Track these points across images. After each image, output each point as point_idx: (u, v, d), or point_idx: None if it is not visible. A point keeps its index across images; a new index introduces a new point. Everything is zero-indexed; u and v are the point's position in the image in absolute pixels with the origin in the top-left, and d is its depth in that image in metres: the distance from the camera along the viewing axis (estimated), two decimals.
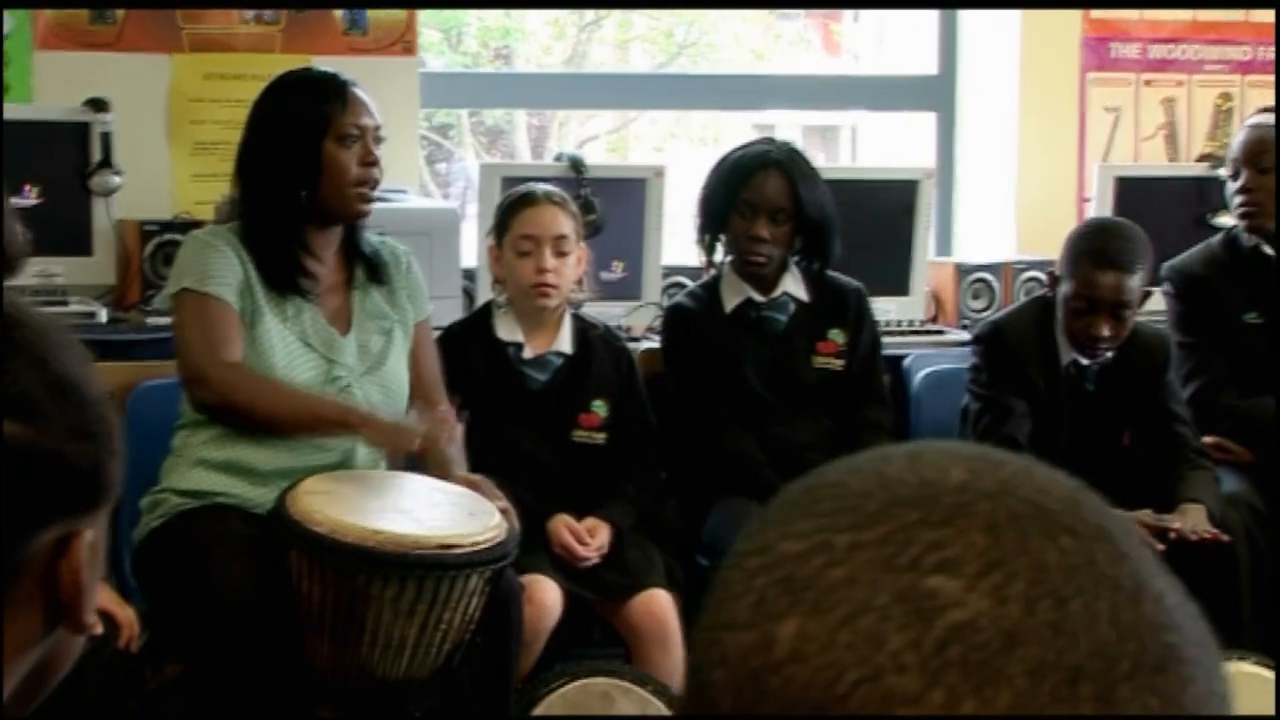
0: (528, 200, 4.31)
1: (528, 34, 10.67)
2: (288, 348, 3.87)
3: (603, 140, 11.10)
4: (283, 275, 3.89)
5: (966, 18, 6.00)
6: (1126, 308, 4.38)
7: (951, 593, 0.71)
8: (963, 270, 5.49)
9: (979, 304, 5.45)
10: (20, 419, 1.20)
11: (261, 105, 3.97)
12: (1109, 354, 4.47)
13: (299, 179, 3.86)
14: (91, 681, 3.61)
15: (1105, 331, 4.38)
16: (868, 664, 0.70)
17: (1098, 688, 0.70)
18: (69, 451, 1.23)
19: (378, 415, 3.77)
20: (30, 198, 4.65)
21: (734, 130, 9.88)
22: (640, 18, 11.04)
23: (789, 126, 12.13)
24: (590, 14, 10.61)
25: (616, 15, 10.86)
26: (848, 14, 11.82)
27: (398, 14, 5.26)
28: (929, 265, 5.46)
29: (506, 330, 4.34)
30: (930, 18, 6.11)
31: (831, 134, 11.85)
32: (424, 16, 9.67)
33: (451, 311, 4.63)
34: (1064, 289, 4.45)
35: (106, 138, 4.81)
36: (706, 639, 0.78)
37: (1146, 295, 4.47)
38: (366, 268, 4.02)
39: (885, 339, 4.86)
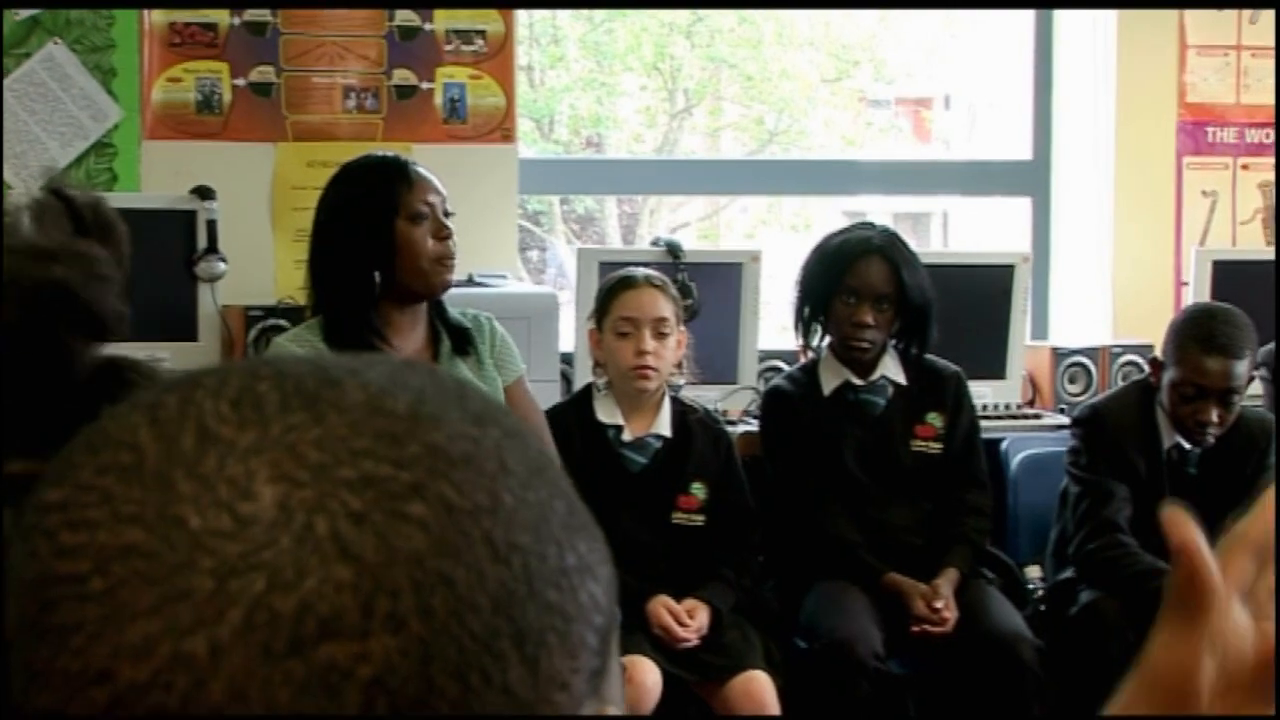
0: (628, 283, 4.35)
1: (619, 122, 10.76)
2: None
3: (694, 227, 11.13)
4: None
5: (1061, 104, 6.01)
6: (1234, 393, 4.38)
7: (348, 653, 0.67)
8: (1059, 354, 5.48)
9: (1075, 388, 5.44)
10: None
11: (329, 195, 3.99)
12: (1212, 440, 4.46)
13: (374, 261, 3.89)
14: None
15: (1214, 417, 4.38)
16: None
17: (510, 615, 0.70)
18: None
19: None
20: None
21: (825, 217, 9.92)
22: (731, 106, 11.10)
23: (880, 213, 12.16)
24: (681, 102, 10.70)
25: (707, 103, 10.93)
26: (939, 101, 11.86)
27: (497, 102, 5.32)
28: (1025, 349, 5.45)
29: (606, 413, 4.37)
30: (1025, 104, 6.12)
31: (922, 220, 11.85)
32: (517, 105, 9.84)
33: (550, 395, 4.66)
34: (1170, 374, 4.45)
35: (212, 225, 4.90)
36: None
37: (1249, 380, 4.47)
38: (451, 341, 4.04)
39: (982, 422, 4.85)
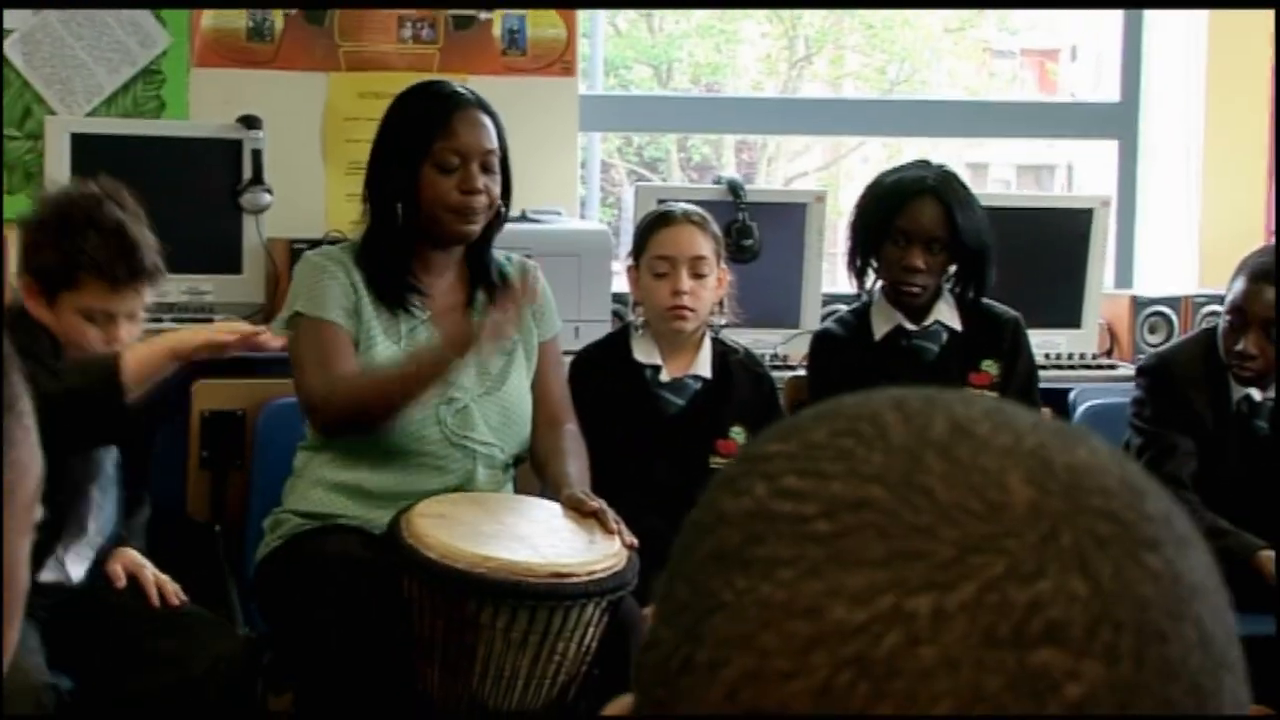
0: (665, 220, 4.18)
1: (738, 70, 10.59)
2: None
3: (812, 176, 10.96)
4: (391, 291, 3.82)
5: (1152, 43, 5.77)
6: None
7: (1063, 665, 0.65)
8: (1139, 303, 5.26)
9: (1156, 338, 5.21)
10: None
11: (384, 118, 3.93)
12: (1251, 375, 4.24)
13: (397, 195, 3.82)
14: (210, 702, 3.55)
15: (1251, 348, 4.16)
16: None
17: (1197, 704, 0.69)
18: None
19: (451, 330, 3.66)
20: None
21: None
22: (853, 54, 10.89)
23: (1003, 165, 11.92)
24: (801, 50, 10.49)
25: (828, 51, 10.73)
26: (1065, 52, 11.59)
27: (558, 34, 5.16)
28: (1106, 298, 5.24)
29: (643, 353, 4.21)
30: (1114, 44, 5.89)
31: (1045, 171, 11.62)
32: (634, 51, 9.71)
33: (601, 334, 4.52)
34: (1224, 307, 4.28)
35: (257, 155, 4.78)
36: None
37: None
38: (489, 291, 3.92)
39: (1055, 372, 4.67)
